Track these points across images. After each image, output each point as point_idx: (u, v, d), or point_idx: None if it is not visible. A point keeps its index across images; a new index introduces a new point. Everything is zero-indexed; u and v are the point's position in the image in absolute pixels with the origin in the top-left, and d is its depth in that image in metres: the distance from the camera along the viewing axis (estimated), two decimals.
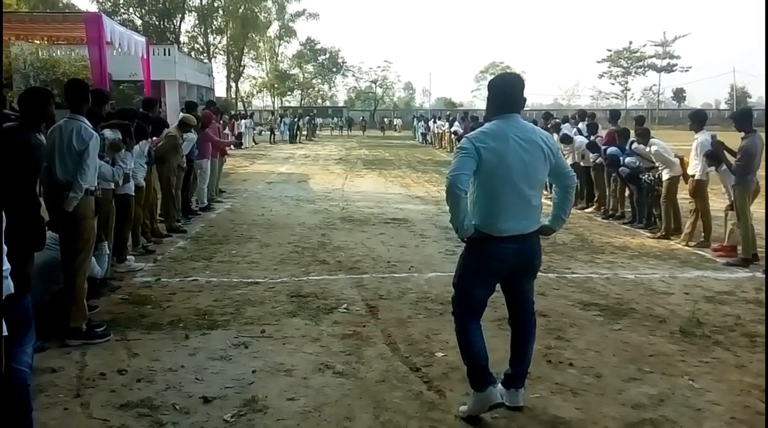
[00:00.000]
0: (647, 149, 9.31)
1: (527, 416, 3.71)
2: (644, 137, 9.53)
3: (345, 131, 50.77)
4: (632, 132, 10.63)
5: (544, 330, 5.22)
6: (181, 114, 10.62)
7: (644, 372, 4.37)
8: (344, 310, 5.70)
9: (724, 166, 7.92)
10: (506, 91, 3.60)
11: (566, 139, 11.85)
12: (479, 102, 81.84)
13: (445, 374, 4.28)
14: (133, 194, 7.05)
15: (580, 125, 12.87)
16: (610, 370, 4.40)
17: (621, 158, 10.04)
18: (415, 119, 47.08)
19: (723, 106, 75.87)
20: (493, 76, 3.68)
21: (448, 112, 42.85)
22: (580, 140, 11.54)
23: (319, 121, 46.30)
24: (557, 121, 13.30)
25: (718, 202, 8.92)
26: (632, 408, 3.82)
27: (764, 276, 6.95)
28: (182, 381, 4.13)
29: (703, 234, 8.67)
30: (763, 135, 7.83)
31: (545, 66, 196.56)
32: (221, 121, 13.17)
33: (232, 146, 27.46)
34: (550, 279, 6.86)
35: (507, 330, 5.13)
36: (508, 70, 78.07)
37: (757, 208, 8.42)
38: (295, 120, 39.75)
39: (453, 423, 3.62)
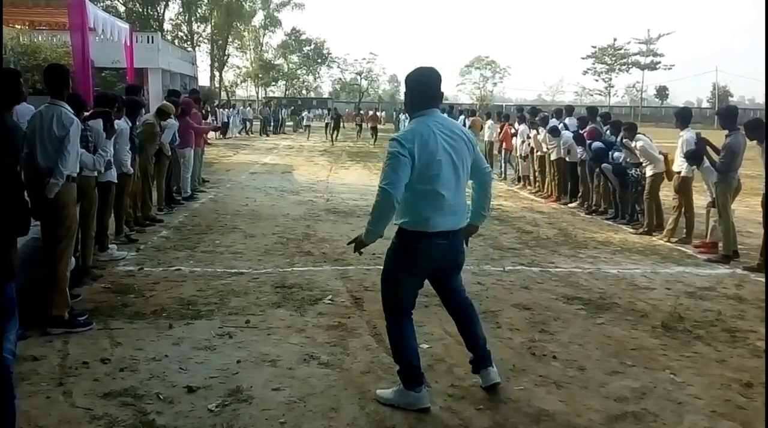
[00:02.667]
0: (633, 144, 9.37)
1: (511, 408, 3.73)
2: (631, 132, 9.60)
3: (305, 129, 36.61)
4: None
5: (528, 323, 5.26)
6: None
7: (626, 366, 4.41)
8: (329, 301, 5.69)
9: (707, 163, 7.99)
10: (425, 86, 3.56)
11: (554, 132, 11.89)
12: (463, 96, 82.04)
13: (430, 365, 4.29)
14: (115, 181, 6.96)
15: (567, 120, 12.91)
16: (593, 363, 4.44)
17: (609, 153, 10.10)
18: (395, 113, 46.59)
19: (705, 105, 76.69)
20: (411, 71, 3.58)
21: None
22: (567, 135, 11.59)
23: (306, 114, 38.37)
24: (545, 114, 13.34)
25: (700, 199, 9.01)
26: (615, 401, 3.85)
27: (764, 278, 7.01)
28: (166, 370, 4.10)
29: (685, 230, 8.77)
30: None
31: (530, 61, 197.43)
32: (203, 111, 13.06)
33: (213, 134, 27.40)
34: (534, 273, 6.90)
35: (491, 323, 5.21)
36: (492, 64, 78.76)
37: (738, 206, 8.53)
38: (278, 110, 39.53)
39: (437, 413, 3.63)
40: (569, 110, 13.96)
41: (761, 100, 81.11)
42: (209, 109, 25.89)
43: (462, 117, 22.44)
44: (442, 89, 3.64)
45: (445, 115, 3.74)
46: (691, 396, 3.95)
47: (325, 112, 45.09)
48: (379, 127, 33.51)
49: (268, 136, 35.95)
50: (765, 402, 3.40)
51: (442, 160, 3.44)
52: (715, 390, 4.07)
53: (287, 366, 4.25)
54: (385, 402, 3.72)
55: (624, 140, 9.57)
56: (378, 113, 41.46)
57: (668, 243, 8.65)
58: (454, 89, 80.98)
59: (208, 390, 3.85)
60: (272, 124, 38.64)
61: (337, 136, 32.23)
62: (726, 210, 7.71)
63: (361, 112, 39.65)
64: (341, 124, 34.59)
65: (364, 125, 35.43)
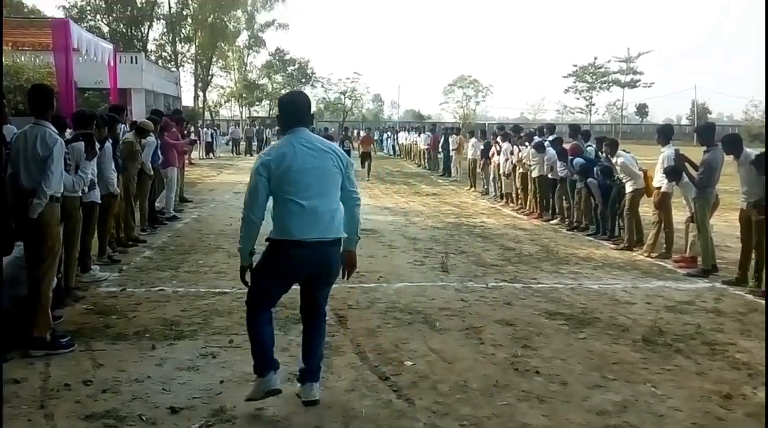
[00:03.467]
0: (614, 160, 9.51)
1: (495, 424, 3.76)
2: (612, 148, 9.74)
3: None
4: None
5: (511, 338, 5.30)
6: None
7: (608, 380, 4.46)
8: None
9: (686, 179, 8.13)
10: (292, 107, 3.85)
11: (539, 148, 11.99)
12: (446, 114, 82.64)
13: (414, 383, 4.31)
14: (99, 202, 6.95)
15: (550, 138, 12.98)
16: (575, 378, 4.48)
17: (595, 169, 10.23)
18: (378, 132, 46.26)
19: (684, 122, 77.69)
20: (283, 95, 3.97)
21: (416, 124, 42.89)
22: (551, 152, 11.72)
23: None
24: (531, 130, 13.54)
25: (679, 214, 9.14)
26: (597, 415, 3.89)
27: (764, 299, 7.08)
28: (149, 391, 4.09)
29: (665, 245, 8.88)
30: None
31: (512, 80, 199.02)
32: (185, 131, 13.10)
33: (196, 154, 27.42)
34: (516, 289, 6.96)
35: (475, 339, 5.24)
36: (475, 83, 79.49)
37: (716, 221, 8.66)
38: (262, 128, 39.43)
39: None
40: (551, 128, 14.11)
41: (739, 116, 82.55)
42: (193, 129, 25.87)
43: (451, 136, 22.63)
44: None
45: (350, 131, 3.94)
46: (672, 409, 4.00)
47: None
48: (372, 154, 23.27)
49: (252, 155, 35.93)
50: (765, 400, 3.39)
51: (301, 172, 3.62)
52: (695, 402, 4.12)
53: None
54: (250, 399, 3.84)
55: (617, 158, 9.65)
56: (371, 135, 28.93)
57: (648, 258, 8.75)
58: (438, 108, 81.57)
59: (191, 411, 3.84)
60: (257, 143, 38.67)
61: None
62: (705, 225, 7.83)
63: (349, 132, 28.91)
64: None
65: (353, 150, 24.61)
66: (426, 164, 27.12)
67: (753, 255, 7.19)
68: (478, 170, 18.01)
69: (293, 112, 3.81)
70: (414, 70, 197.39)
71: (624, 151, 9.79)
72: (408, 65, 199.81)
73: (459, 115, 79.52)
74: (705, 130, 8.34)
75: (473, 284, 7.13)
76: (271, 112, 70.04)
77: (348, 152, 21.67)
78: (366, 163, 21.41)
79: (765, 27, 4.94)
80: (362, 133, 28.48)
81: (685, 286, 7.31)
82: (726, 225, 10.08)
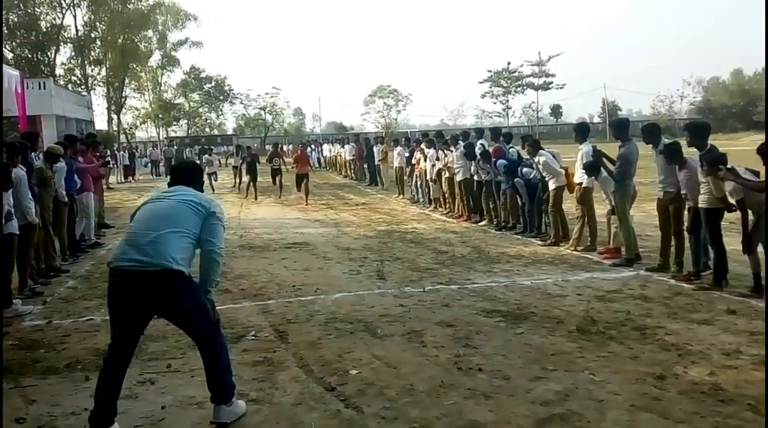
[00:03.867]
0: (536, 159, 9.80)
1: (444, 423, 3.79)
2: (534, 148, 10.03)
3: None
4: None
5: (452, 339, 5.37)
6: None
7: (548, 371, 4.58)
8: (252, 338, 5.61)
9: (604, 174, 8.46)
10: (172, 172, 4.32)
11: (470, 153, 12.12)
12: (369, 124, 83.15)
13: (361, 390, 4.30)
14: (17, 232, 6.62)
15: (481, 140, 13.11)
16: (517, 372, 4.58)
17: (519, 168, 10.50)
18: (302, 145, 46.01)
19: (596, 120, 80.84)
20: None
21: (340, 136, 42.88)
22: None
23: (208, 157, 23.49)
24: (457, 134, 13.79)
25: (600, 208, 9.50)
26: (541, 406, 3.99)
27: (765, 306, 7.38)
28: (86, 424, 3.91)
29: (589, 238, 9.21)
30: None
31: (431, 88, 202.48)
32: (98, 154, 12.66)
33: (114, 178, 26.56)
34: (452, 291, 7.06)
35: (417, 342, 5.28)
36: (395, 92, 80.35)
37: (635, 211, 9.05)
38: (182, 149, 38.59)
39: None
40: (480, 132, 14.04)
41: (647, 111, 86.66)
42: (109, 153, 25.03)
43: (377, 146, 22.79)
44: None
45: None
46: (611, 393, 4.15)
47: (231, 149, 37.60)
48: (310, 174, 18.90)
49: None
50: (765, 399, 3.47)
51: (148, 205, 3.90)
52: (632, 385, 4.29)
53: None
54: None
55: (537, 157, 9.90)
56: (307, 152, 23.50)
57: (575, 252, 9.06)
58: (360, 119, 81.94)
59: None
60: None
61: (254, 188, 19.63)
62: (625, 216, 8.17)
63: (280, 148, 25.22)
64: (257, 168, 20.22)
65: (284, 167, 20.54)
66: (353, 175, 27.19)
67: (672, 242, 7.56)
68: (405, 178, 18.19)
69: (172, 174, 4.21)
70: (334, 81, 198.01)
71: (544, 149, 10.10)
72: (328, 77, 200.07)
73: (381, 124, 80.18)
74: (619, 125, 8.72)
75: (410, 289, 7.19)
76: (189, 131, 68.66)
77: (277, 171, 19.53)
78: (303, 185, 17.69)
79: (765, 26, 5.17)
80: (299, 150, 20.27)
81: (611, 276, 7.60)
82: (644, 215, 10.54)
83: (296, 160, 18.80)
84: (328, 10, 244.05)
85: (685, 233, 7.32)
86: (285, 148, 38.27)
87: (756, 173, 6.52)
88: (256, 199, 19.05)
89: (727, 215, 6.80)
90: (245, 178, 20.74)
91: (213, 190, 21.42)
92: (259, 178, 20.21)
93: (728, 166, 6.33)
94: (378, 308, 6.43)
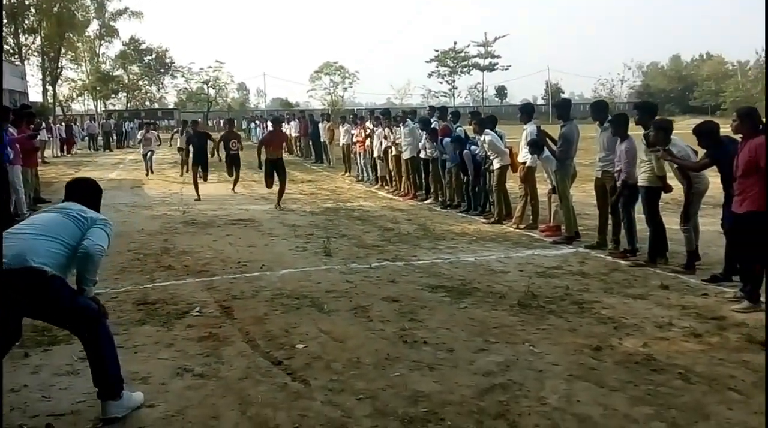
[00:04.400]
0: (481, 138, 9.94)
1: (389, 394, 3.86)
2: (481, 127, 10.15)
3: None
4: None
5: (398, 314, 5.45)
6: None
7: (490, 343, 4.71)
8: (197, 313, 5.56)
9: (546, 153, 8.66)
10: (66, 190, 4.09)
11: (426, 125, 12.07)
12: (315, 101, 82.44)
13: (308, 364, 4.34)
14: None
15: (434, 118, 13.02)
16: (460, 344, 4.70)
17: (467, 145, 10.59)
18: (245, 121, 45.29)
19: (540, 101, 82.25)
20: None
21: (285, 113, 42.28)
22: (421, 134, 12.05)
23: (144, 133, 20.02)
24: (405, 112, 13.77)
25: (542, 187, 9.72)
26: (483, 376, 4.11)
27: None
28: (27, 400, 3.84)
29: (531, 217, 9.44)
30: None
31: (378, 66, 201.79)
32: (31, 127, 12.15)
33: (50, 152, 25.66)
34: (398, 267, 7.14)
35: (363, 317, 5.34)
36: (342, 69, 79.74)
37: (575, 191, 9.29)
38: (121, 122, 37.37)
39: (320, 409, 3.69)
40: (443, 110, 13.40)
41: (588, 94, 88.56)
42: (44, 125, 24.05)
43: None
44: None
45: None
46: (550, 364, 4.30)
47: (175, 125, 35.71)
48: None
49: (111, 150, 34.04)
50: (765, 400, 3.58)
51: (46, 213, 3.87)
52: (570, 356, 4.45)
53: (160, 381, 4.12)
54: None
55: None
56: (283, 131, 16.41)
57: (517, 230, 9.27)
58: (306, 95, 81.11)
59: (76, 416, 3.65)
60: (116, 137, 36.66)
61: (203, 178, 14.15)
62: (566, 195, 8.39)
63: (235, 125, 17.43)
64: (207, 156, 14.09)
65: (240, 151, 14.51)
66: (298, 152, 26.97)
67: (609, 221, 7.81)
68: (352, 155, 18.16)
69: (66, 190, 4.08)
70: (279, 57, 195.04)
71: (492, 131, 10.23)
72: (273, 53, 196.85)
73: (327, 101, 79.57)
74: (562, 106, 8.92)
75: (357, 265, 7.23)
76: (129, 105, 66.65)
77: (235, 158, 14.23)
78: (279, 175, 12.24)
79: (765, 22, 5.29)
80: (265, 128, 15.63)
81: (552, 253, 7.82)
82: (584, 195, 10.83)
83: (268, 144, 12.41)
84: None
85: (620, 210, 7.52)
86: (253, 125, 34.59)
87: (696, 152, 6.84)
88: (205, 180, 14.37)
89: (664, 195, 7.06)
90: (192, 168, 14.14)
91: (150, 171, 19.04)
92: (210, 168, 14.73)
93: (665, 148, 6.56)
94: (324, 284, 6.45)
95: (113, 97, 66.83)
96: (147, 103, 70.39)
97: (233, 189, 14.81)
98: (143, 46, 67.95)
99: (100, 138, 35.61)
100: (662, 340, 4.76)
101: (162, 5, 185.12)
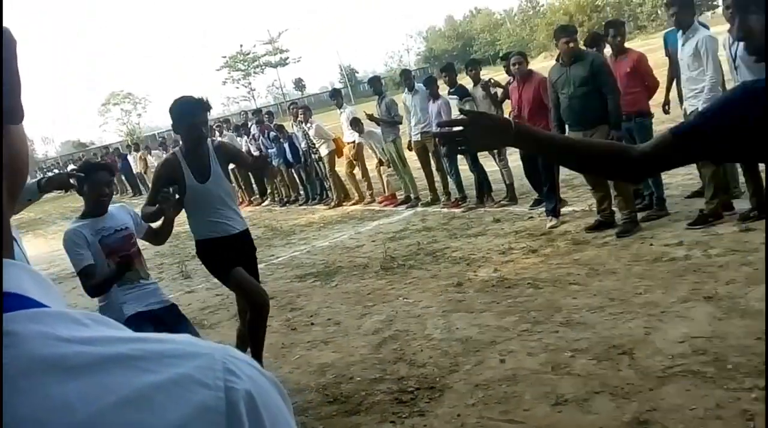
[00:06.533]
0: (307, 126, 10.33)
1: (296, 374, 4.22)
2: (306, 114, 10.53)
3: None
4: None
5: (278, 308, 5.74)
6: None
7: (369, 307, 5.21)
8: None
9: (368, 129, 9.28)
10: None
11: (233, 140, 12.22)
12: (110, 135, 78.11)
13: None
14: None
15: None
16: (344, 316, 5.14)
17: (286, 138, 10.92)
18: (41, 172, 41.88)
19: (338, 85, 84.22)
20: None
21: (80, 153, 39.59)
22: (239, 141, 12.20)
23: None
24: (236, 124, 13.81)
25: (369, 163, 10.36)
26: (373, 335, 4.60)
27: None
28: None
29: (368, 192, 10.06)
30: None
31: (169, 85, 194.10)
32: None
33: None
34: (261, 270, 7.31)
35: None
36: (130, 96, 76.13)
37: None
38: None
39: None
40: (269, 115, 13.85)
41: (381, 69, 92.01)
42: None
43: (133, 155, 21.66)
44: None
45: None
46: (425, 307, 4.89)
47: None
48: None
49: None
50: (766, 405, 4.10)
51: None
52: (438, 296, 5.08)
53: None
54: None
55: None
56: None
57: (358, 207, 9.86)
58: (99, 130, 76.53)
59: None
60: None
61: None
62: (405, 161, 9.02)
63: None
64: None
65: None
66: (117, 188, 25.72)
67: (436, 177, 8.61)
68: None
69: None
70: (61, 97, 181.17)
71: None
72: (54, 93, 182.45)
73: (124, 132, 75.75)
74: (375, 81, 9.53)
75: None
76: None
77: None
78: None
79: (765, 23, 5.91)
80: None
81: (396, 218, 8.50)
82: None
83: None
84: (37, 17, 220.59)
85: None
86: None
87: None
88: None
89: None
90: None
91: None
92: None
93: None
94: (196, 304, 6.59)
95: None
96: None
97: None
98: None
99: None
100: (508, 263, 5.53)
101: None
